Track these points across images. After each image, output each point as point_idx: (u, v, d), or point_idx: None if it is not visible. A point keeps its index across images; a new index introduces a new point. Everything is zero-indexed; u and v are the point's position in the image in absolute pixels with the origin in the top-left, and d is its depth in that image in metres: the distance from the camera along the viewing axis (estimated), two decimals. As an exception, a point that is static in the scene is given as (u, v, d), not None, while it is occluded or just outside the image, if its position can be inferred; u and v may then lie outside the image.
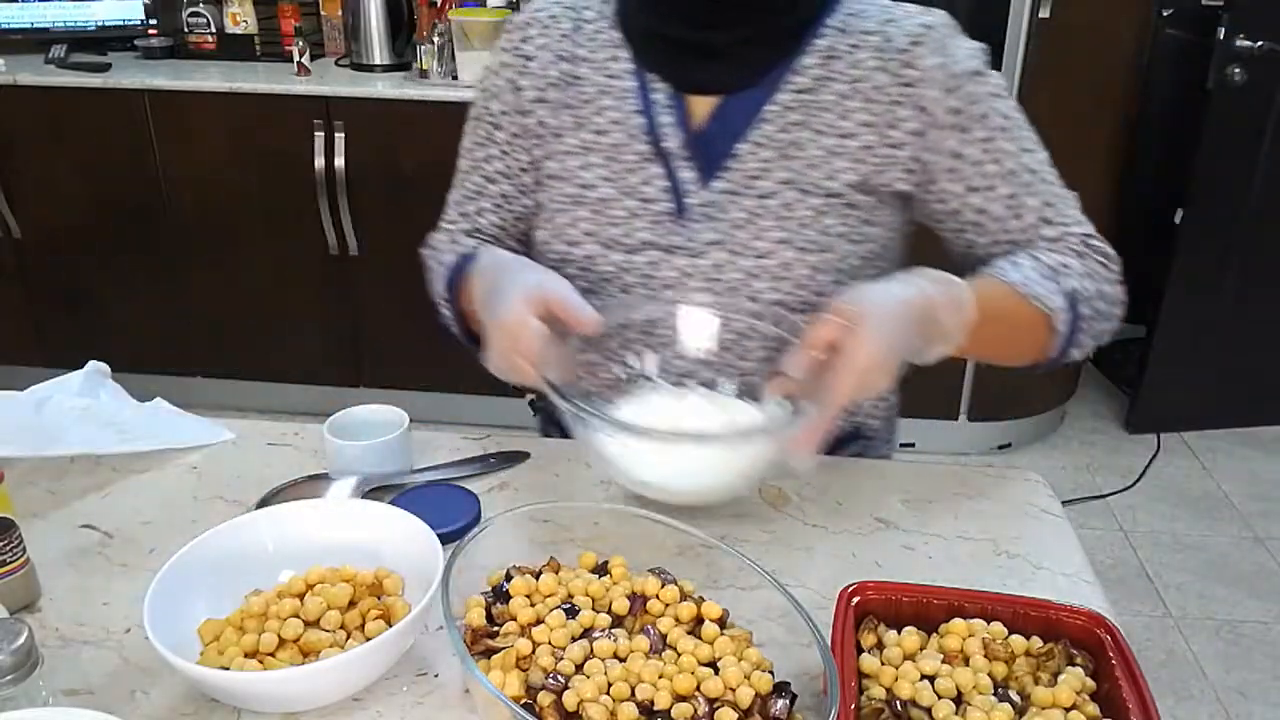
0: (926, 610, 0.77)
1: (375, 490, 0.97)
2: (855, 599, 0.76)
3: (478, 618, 0.75)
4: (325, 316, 2.82)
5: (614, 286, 1.05)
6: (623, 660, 0.71)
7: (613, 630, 0.74)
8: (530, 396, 1.19)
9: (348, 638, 0.76)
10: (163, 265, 2.78)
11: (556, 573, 0.80)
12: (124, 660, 0.78)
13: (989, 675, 0.71)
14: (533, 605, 0.76)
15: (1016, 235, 1.03)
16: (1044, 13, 2.46)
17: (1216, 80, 2.57)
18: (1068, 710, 0.68)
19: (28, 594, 0.83)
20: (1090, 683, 0.71)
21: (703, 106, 1.03)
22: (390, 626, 0.75)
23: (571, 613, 0.75)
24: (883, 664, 0.72)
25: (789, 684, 0.70)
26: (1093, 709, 0.69)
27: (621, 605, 0.76)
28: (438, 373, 2.84)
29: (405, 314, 2.79)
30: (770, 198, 1.01)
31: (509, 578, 0.78)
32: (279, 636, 0.74)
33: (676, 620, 0.75)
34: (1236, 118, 2.62)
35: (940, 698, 0.69)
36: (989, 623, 0.75)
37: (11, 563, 0.81)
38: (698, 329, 1.03)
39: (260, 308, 2.82)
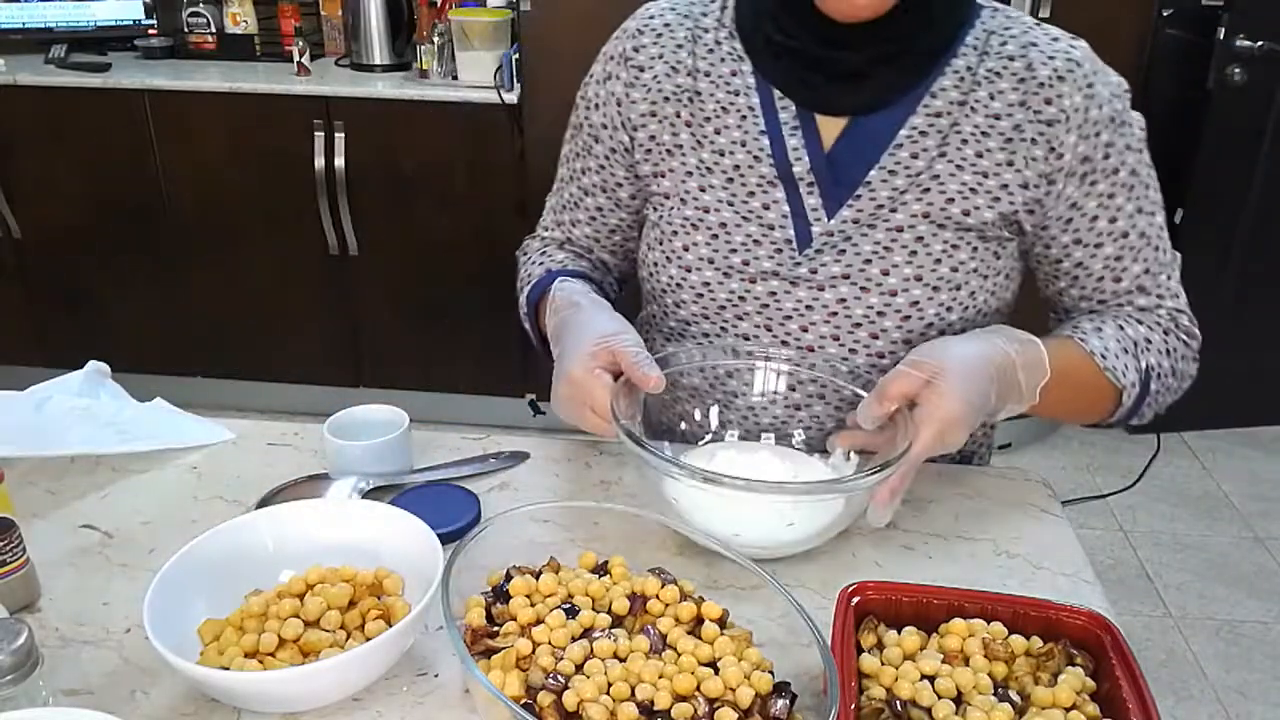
0: (926, 610, 0.77)
1: (375, 490, 0.97)
2: (855, 599, 0.76)
3: (478, 618, 0.75)
4: (325, 316, 2.82)
5: (730, 314, 1.02)
6: (623, 660, 0.71)
7: (613, 630, 0.74)
8: (530, 397, 1.19)
9: (348, 638, 0.76)
10: (163, 265, 2.78)
11: (556, 573, 0.80)
12: (124, 660, 0.78)
13: (989, 675, 0.71)
14: (533, 605, 0.76)
15: (1108, 297, 1.02)
16: (1044, 13, 2.46)
17: (1216, 80, 2.57)
18: (1068, 710, 0.68)
19: (28, 594, 0.83)
20: (1090, 683, 0.71)
21: (831, 128, 0.98)
22: (390, 626, 0.75)
23: (571, 613, 0.75)
24: (883, 664, 0.72)
25: (789, 684, 0.70)
26: (1093, 709, 0.69)
27: (621, 605, 0.76)
28: (438, 373, 2.84)
29: (405, 314, 2.79)
30: (904, 231, 0.97)
31: (509, 578, 0.78)
32: (279, 636, 0.74)
33: (676, 620, 0.75)
34: (1236, 118, 2.62)
35: (940, 698, 0.69)
36: (989, 623, 0.75)
37: (11, 563, 0.81)
38: (772, 382, 1.02)
39: (260, 308, 2.82)
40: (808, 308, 1.00)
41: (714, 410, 1.05)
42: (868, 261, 0.97)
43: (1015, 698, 0.70)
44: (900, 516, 0.97)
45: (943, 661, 0.72)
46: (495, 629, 0.74)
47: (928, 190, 0.96)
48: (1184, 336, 1.02)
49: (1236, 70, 2.54)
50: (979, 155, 0.96)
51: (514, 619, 0.75)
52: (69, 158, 2.66)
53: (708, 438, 1.04)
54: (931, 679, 0.70)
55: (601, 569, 0.82)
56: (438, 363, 2.83)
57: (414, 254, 2.70)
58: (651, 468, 0.86)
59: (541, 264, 1.12)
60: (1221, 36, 2.54)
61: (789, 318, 1.00)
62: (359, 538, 0.84)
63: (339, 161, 2.57)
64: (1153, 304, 1.02)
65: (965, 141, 0.96)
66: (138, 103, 2.58)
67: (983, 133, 0.95)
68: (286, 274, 2.77)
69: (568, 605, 0.76)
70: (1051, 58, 0.94)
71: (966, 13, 0.97)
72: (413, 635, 0.76)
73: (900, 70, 0.95)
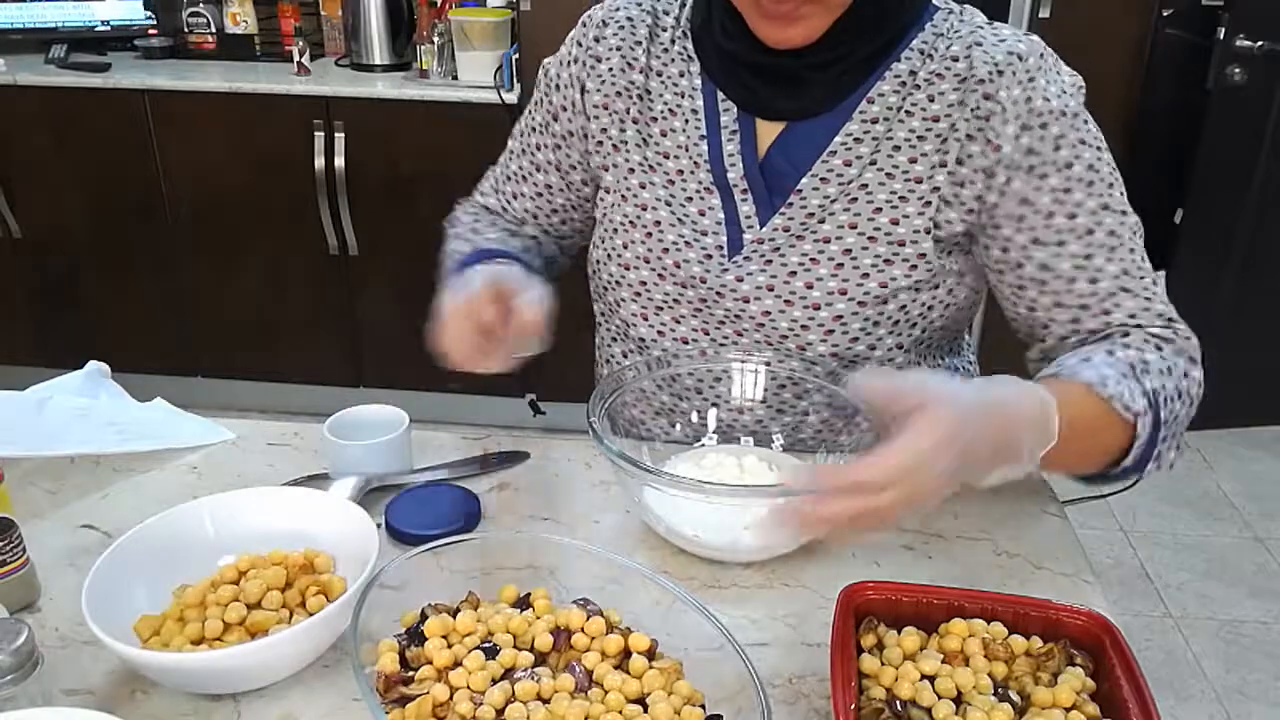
0: (926, 610, 0.76)
1: (375, 490, 0.97)
2: (855, 599, 0.76)
3: (390, 663, 0.70)
4: (325, 316, 2.82)
5: (667, 317, 1.02)
6: (546, 702, 0.68)
7: (535, 670, 0.71)
8: (530, 396, 1.18)
9: (291, 615, 0.77)
10: (163, 265, 2.78)
11: (475, 609, 0.76)
12: (124, 660, 0.78)
13: (989, 675, 0.71)
14: (450, 646, 0.71)
15: (1090, 302, 0.92)
16: (1044, 13, 2.46)
17: (1216, 80, 2.57)
18: (1068, 710, 0.68)
19: (28, 594, 0.83)
20: (1090, 683, 0.71)
21: (769, 134, 0.97)
22: (330, 601, 0.76)
23: (491, 653, 0.71)
24: (883, 664, 0.72)
25: (721, 717, 0.69)
26: (1093, 709, 0.69)
27: (545, 641, 0.73)
28: (438, 373, 2.83)
29: (405, 314, 2.78)
30: (831, 243, 0.94)
31: (424, 617, 0.74)
32: (223, 622, 0.75)
33: (603, 654, 0.73)
34: (1236, 118, 2.61)
35: (940, 698, 0.69)
36: (989, 623, 0.75)
37: (11, 563, 0.81)
38: (748, 382, 1.01)
39: (260, 308, 2.82)
40: (735, 317, 0.99)
41: (710, 412, 1.04)
42: (793, 274, 0.96)
43: (1015, 698, 0.70)
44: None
45: (943, 661, 0.72)
46: (410, 674, 0.70)
47: (855, 200, 0.94)
48: (1184, 346, 0.92)
49: (1236, 70, 2.54)
50: (912, 161, 0.93)
51: (429, 662, 0.70)
52: (69, 158, 2.66)
53: (704, 440, 1.04)
54: (931, 679, 0.70)
55: (524, 603, 0.78)
56: (438, 363, 2.83)
57: (414, 254, 2.69)
58: (619, 467, 0.85)
59: (470, 241, 1.09)
60: (1221, 36, 2.54)
61: (721, 324, 1.00)
62: (294, 524, 0.84)
63: (339, 161, 2.57)
64: (1141, 307, 0.92)
65: (898, 148, 0.93)
66: (138, 103, 2.58)
67: (919, 137, 0.93)
68: (286, 274, 2.77)
69: (488, 645, 0.72)
70: (993, 54, 0.90)
71: (913, 17, 0.94)
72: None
73: (838, 76, 0.93)
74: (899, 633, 0.75)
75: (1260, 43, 2.52)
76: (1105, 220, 0.91)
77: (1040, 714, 0.68)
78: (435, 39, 2.58)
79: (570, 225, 1.15)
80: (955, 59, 0.92)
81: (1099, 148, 0.92)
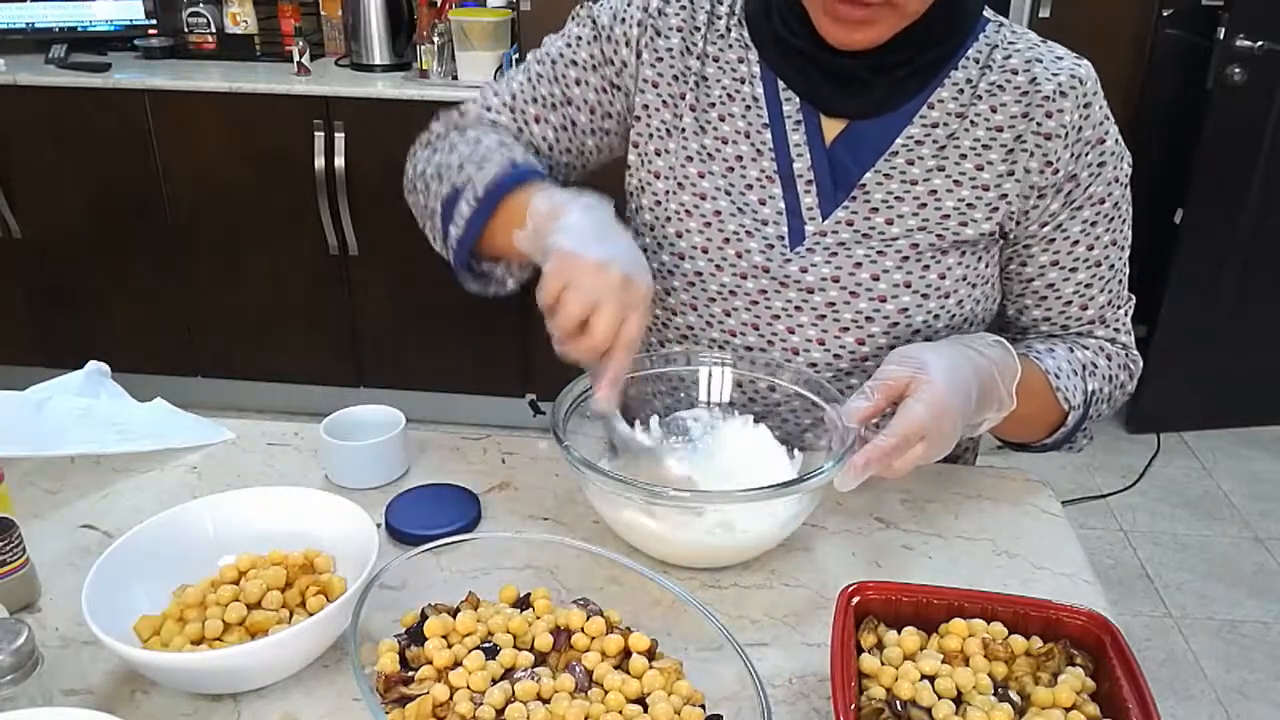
0: (926, 610, 0.76)
1: (374, 490, 0.97)
2: (855, 599, 0.76)
3: (390, 663, 0.70)
4: (324, 316, 2.82)
5: (718, 309, 1.01)
6: (546, 702, 0.68)
7: (535, 670, 0.71)
8: (530, 397, 1.18)
9: (290, 615, 0.77)
10: (163, 265, 2.78)
11: (475, 609, 0.76)
12: (124, 660, 0.78)
13: (989, 675, 0.71)
14: (450, 646, 0.71)
15: (1071, 323, 1.03)
16: (1044, 12, 2.47)
17: (1216, 80, 2.57)
18: (1068, 710, 0.68)
19: (28, 594, 0.83)
20: (1090, 683, 0.71)
21: (832, 127, 0.98)
22: (330, 601, 0.75)
23: (491, 653, 0.71)
24: (883, 664, 0.72)
25: (721, 717, 0.69)
26: (1093, 709, 0.69)
27: (545, 641, 0.73)
28: (438, 373, 2.84)
29: (405, 314, 2.79)
30: (898, 240, 0.96)
31: (424, 617, 0.74)
32: (224, 621, 0.75)
33: (603, 655, 0.73)
34: (1236, 118, 2.62)
35: (940, 698, 0.69)
36: (989, 623, 0.75)
37: (11, 563, 0.81)
38: (720, 389, 1.00)
39: (260, 307, 2.82)
40: (796, 309, 0.99)
41: (669, 415, 1.03)
42: (858, 265, 0.97)
43: (1015, 698, 0.70)
44: (900, 517, 0.97)
45: (943, 661, 0.72)
46: (410, 674, 0.70)
47: (924, 205, 0.96)
48: (1130, 367, 1.05)
49: (1236, 70, 2.54)
50: (979, 169, 0.95)
51: (429, 663, 0.70)
52: (69, 158, 2.66)
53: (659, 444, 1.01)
54: (931, 679, 0.70)
55: (524, 603, 0.78)
56: (438, 363, 2.83)
57: (414, 254, 2.67)
58: (603, 490, 0.84)
59: (503, 152, 0.98)
60: (1221, 36, 2.54)
61: (776, 317, 1.00)
62: (294, 524, 0.84)
63: (339, 161, 2.57)
64: (1110, 336, 1.04)
65: (964, 156, 0.95)
66: (138, 103, 2.58)
67: (984, 145, 0.95)
68: (286, 274, 2.77)
69: (488, 645, 0.72)
70: (1056, 74, 0.93)
71: (971, 26, 0.96)
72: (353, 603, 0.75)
73: (900, 80, 0.95)
74: (899, 633, 0.75)
75: (1260, 43, 2.52)
76: (1111, 255, 1.00)
77: (1040, 714, 0.68)
78: (435, 39, 2.58)
79: (570, 171, 1.10)
80: (1015, 71, 0.95)
81: (1125, 184, 0.98)
